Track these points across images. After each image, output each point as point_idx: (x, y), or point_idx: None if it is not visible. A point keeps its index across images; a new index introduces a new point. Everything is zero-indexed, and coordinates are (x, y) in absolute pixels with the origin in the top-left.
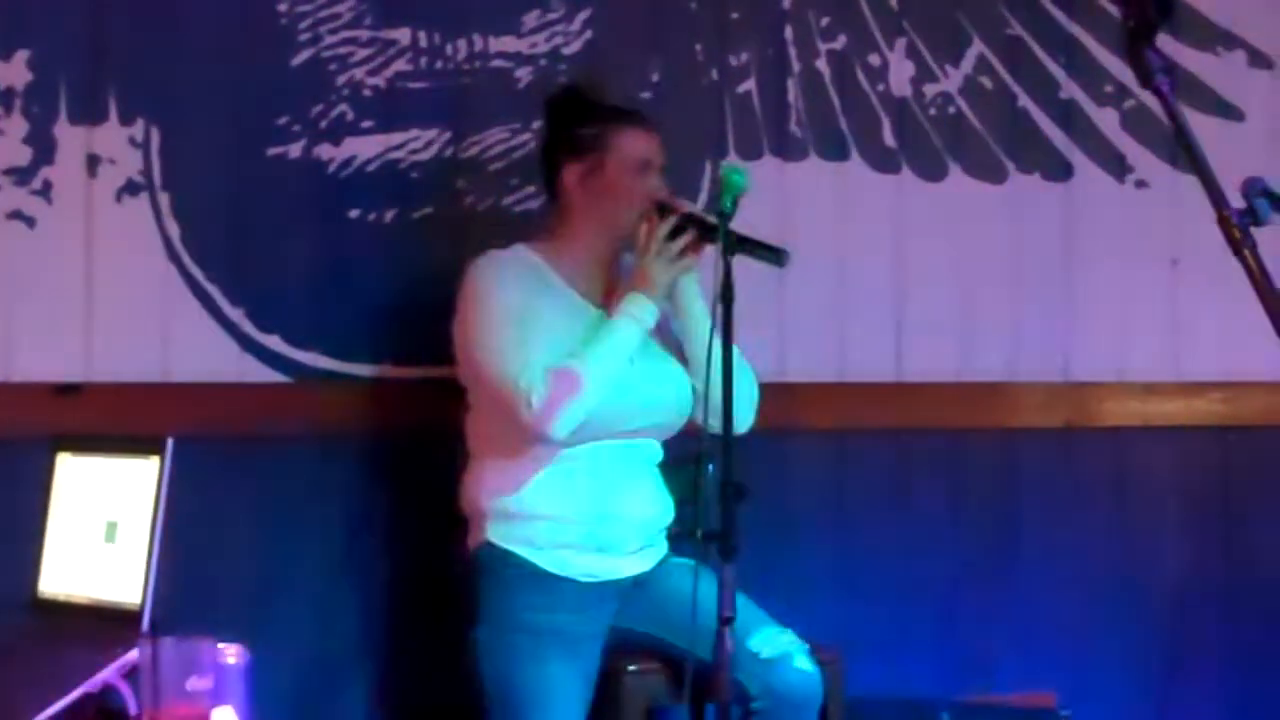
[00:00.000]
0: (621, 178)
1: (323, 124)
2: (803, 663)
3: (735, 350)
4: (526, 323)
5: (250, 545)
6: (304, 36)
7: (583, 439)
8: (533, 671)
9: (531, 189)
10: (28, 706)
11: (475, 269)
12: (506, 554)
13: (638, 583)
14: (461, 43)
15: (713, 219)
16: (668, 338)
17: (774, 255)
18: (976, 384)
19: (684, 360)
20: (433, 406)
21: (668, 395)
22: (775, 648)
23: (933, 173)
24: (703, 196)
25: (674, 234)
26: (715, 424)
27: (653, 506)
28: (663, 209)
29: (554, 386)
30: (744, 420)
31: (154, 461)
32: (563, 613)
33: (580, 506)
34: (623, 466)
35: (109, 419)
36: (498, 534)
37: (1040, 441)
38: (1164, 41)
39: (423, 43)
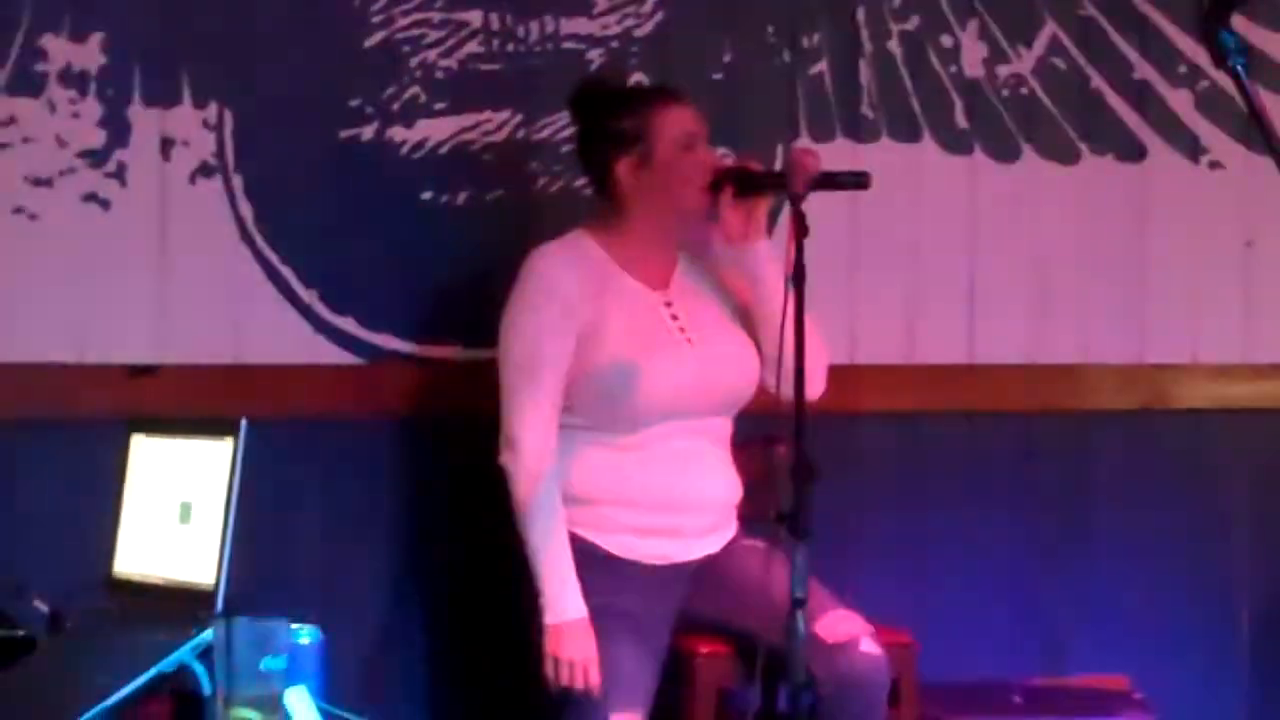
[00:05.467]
0: (673, 158)
1: (395, 106)
2: (868, 646)
3: (807, 316)
4: (556, 351)
5: (323, 526)
6: (376, 19)
7: (650, 423)
8: (600, 654)
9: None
10: (103, 686)
11: (529, 266)
12: (573, 537)
13: (706, 565)
14: (533, 24)
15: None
16: (730, 305)
17: (856, 180)
18: (1049, 366)
19: (749, 326)
20: None
21: (734, 374)
22: (841, 632)
23: (1005, 154)
24: None
25: (742, 193)
26: (787, 389)
27: (721, 488)
28: (723, 176)
29: (523, 478)
30: (815, 388)
31: (228, 443)
32: (630, 595)
33: (647, 490)
34: (691, 448)
35: (183, 400)
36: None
37: (1113, 424)
38: (1238, 22)
39: (494, 25)
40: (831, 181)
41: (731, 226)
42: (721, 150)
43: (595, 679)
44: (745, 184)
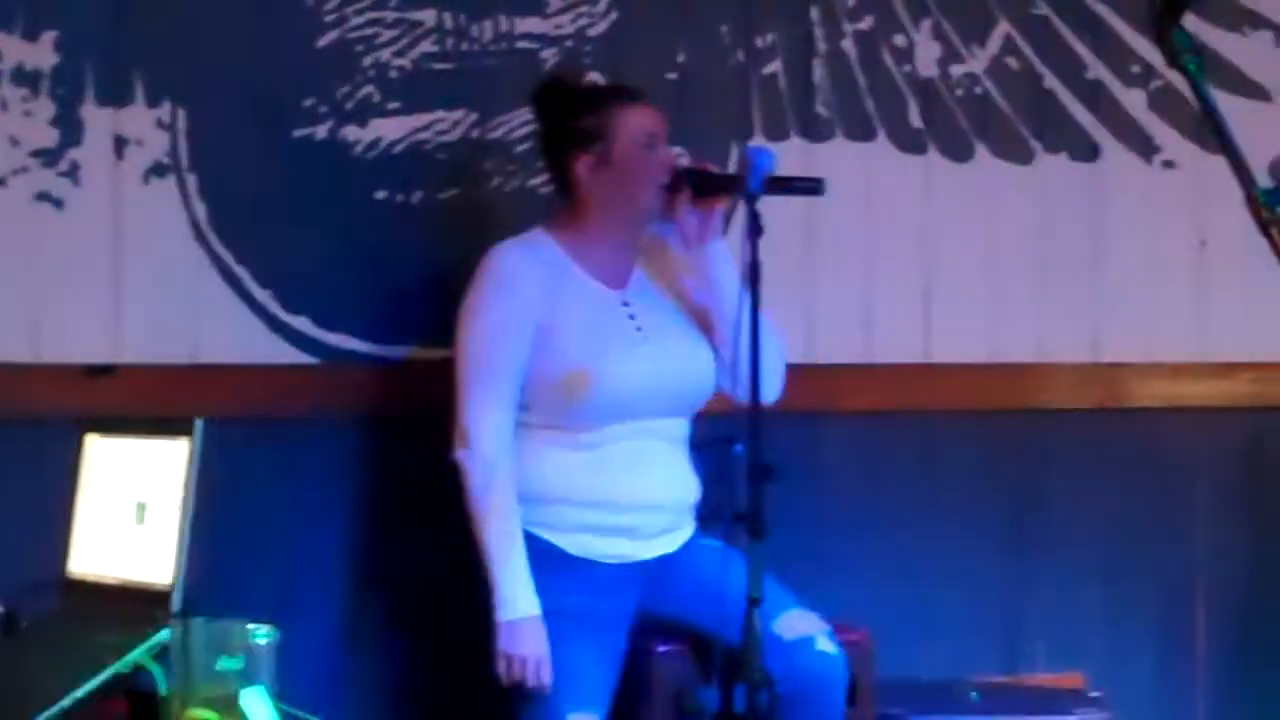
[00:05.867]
0: (632, 158)
1: (349, 105)
2: (825, 645)
3: (763, 318)
4: (513, 348)
5: (279, 526)
6: (330, 18)
7: (607, 422)
8: (557, 653)
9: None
10: (58, 687)
11: (487, 263)
12: (529, 536)
13: (664, 564)
14: (487, 24)
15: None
16: (688, 308)
17: (812, 186)
18: (1005, 365)
19: (707, 329)
20: None
21: (691, 375)
22: (798, 630)
23: (959, 154)
24: None
25: (699, 195)
26: (743, 393)
27: (679, 488)
28: (680, 177)
29: (477, 474)
30: (772, 390)
31: (183, 443)
32: (587, 595)
33: (603, 490)
34: (649, 448)
35: (138, 400)
36: (521, 517)
37: (1068, 422)
38: (1191, 21)
39: (448, 24)
40: (787, 186)
41: (688, 227)
42: (676, 150)
43: (546, 676)
44: (703, 185)
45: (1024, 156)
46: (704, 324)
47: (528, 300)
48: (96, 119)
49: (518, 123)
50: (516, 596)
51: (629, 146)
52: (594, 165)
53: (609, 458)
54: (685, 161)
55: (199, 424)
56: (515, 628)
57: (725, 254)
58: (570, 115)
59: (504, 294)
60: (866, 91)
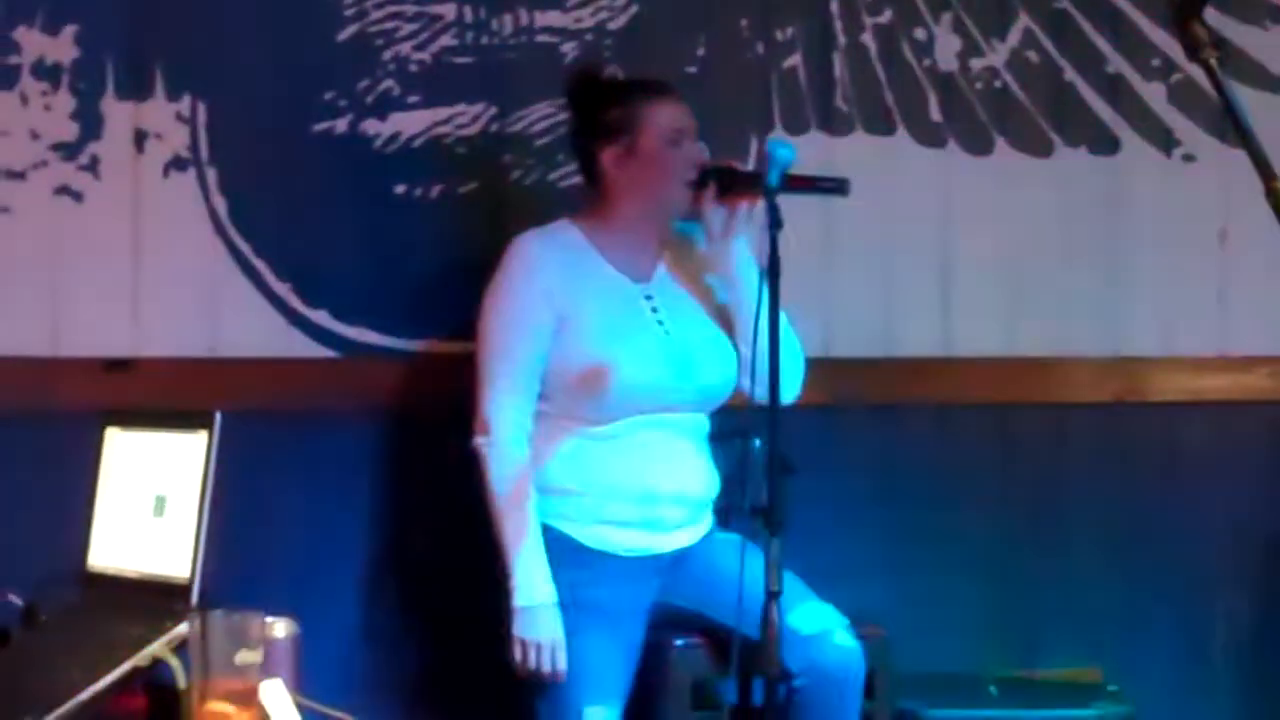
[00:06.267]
0: (658, 153)
1: (369, 99)
2: (843, 638)
3: (783, 318)
4: (534, 337)
5: (298, 519)
6: (350, 11)
7: (626, 414)
8: (574, 646)
9: (577, 164)
10: (77, 680)
11: (511, 252)
12: (547, 528)
13: (681, 558)
14: (507, 18)
15: (754, 168)
16: (711, 305)
17: (837, 186)
18: (1023, 359)
19: (728, 327)
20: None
21: (711, 370)
22: (816, 623)
23: (979, 147)
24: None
25: (724, 192)
26: (762, 393)
27: (697, 482)
28: (707, 174)
29: (496, 461)
30: (791, 390)
31: (202, 436)
32: (604, 587)
33: (622, 482)
34: (667, 441)
35: (158, 394)
36: (539, 508)
37: (1088, 417)
38: (1211, 15)
39: (468, 18)
40: (812, 186)
41: (713, 224)
42: (700, 145)
43: (562, 662)
44: (728, 182)
45: (1044, 150)
46: (726, 322)
47: (550, 290)
48: (116, 113)
49: (537, 116)
50: (532, 582)
51: (655, 141)
52: (620, 158)
53: (628, 450)
54: (709, 157)
55: (218, 417)
56: (530, 613)
57: (748, 251)
58: (599, 107)
59: (527, 283)
60: (886, 85)
